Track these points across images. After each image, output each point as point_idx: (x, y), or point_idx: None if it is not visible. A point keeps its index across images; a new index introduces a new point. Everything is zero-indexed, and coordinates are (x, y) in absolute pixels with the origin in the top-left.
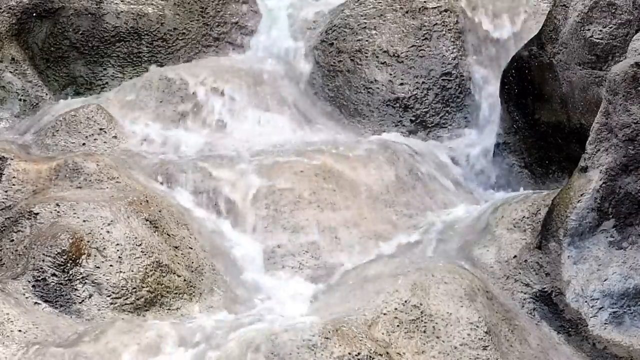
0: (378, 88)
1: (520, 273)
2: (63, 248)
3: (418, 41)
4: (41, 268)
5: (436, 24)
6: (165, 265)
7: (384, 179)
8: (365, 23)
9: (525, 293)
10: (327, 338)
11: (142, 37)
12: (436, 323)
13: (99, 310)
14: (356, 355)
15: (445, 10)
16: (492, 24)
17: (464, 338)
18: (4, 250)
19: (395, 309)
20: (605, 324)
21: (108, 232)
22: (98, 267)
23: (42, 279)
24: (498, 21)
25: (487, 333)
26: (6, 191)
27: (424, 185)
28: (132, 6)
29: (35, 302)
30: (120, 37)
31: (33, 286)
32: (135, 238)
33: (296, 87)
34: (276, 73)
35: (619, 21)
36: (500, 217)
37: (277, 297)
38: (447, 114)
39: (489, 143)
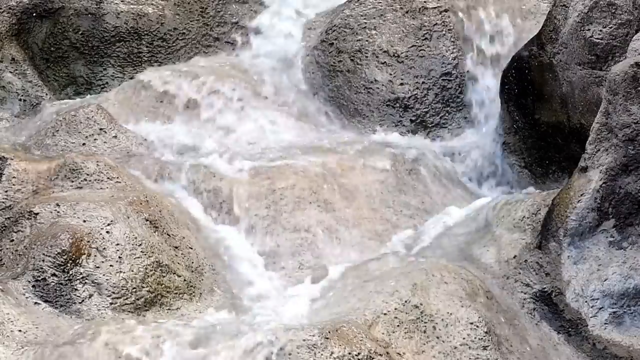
0: (378, 88)
1: (520, 273)
2: (63, 248)
3: (418, 41)
4: (41, 268)
5: (436, 24)
6: (166, 265)
7: (384, 179)
8: (365, 23)
9: (525, 293)
10: (327, 338)
11: (142, 37)
12: (436, 323)
13: (99, 310)
14: (356, 355)
15: (445, 10)
16: (492, 24)
17: (464, 338)
18: (4, 250)
19: (395, 309)
20: (605, 324)
21: (108, 232)
22: (98, 267)
23: (42, 279)
24: (498, 21)
25: (487, 333)
26: (6, 191)
27: (424, 185)
28: (132, 6)
29: (35, 302)
30: (120, 37)
31: (33, 286)
32: (135, 238)
33: (296, 87)
34: (276, 73)
35: (619, 21)
36: (500, 217)
37: (277, 297)
38: (447, 114)
39: (488, 143)
